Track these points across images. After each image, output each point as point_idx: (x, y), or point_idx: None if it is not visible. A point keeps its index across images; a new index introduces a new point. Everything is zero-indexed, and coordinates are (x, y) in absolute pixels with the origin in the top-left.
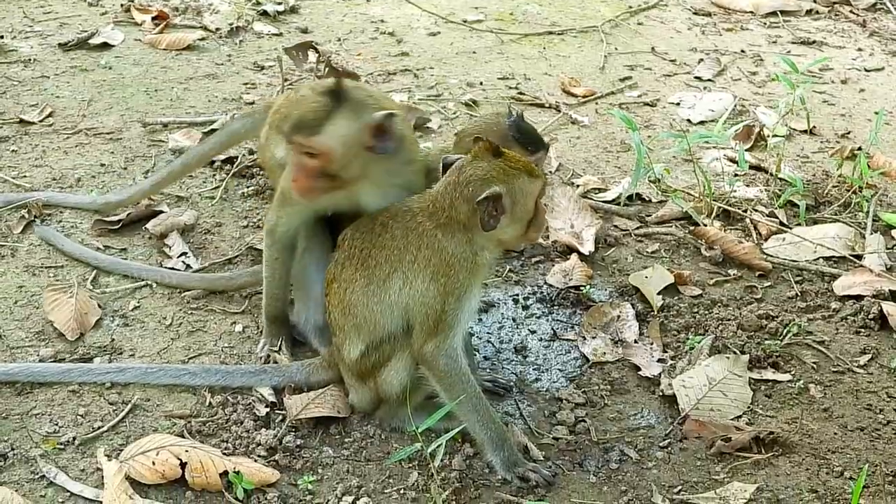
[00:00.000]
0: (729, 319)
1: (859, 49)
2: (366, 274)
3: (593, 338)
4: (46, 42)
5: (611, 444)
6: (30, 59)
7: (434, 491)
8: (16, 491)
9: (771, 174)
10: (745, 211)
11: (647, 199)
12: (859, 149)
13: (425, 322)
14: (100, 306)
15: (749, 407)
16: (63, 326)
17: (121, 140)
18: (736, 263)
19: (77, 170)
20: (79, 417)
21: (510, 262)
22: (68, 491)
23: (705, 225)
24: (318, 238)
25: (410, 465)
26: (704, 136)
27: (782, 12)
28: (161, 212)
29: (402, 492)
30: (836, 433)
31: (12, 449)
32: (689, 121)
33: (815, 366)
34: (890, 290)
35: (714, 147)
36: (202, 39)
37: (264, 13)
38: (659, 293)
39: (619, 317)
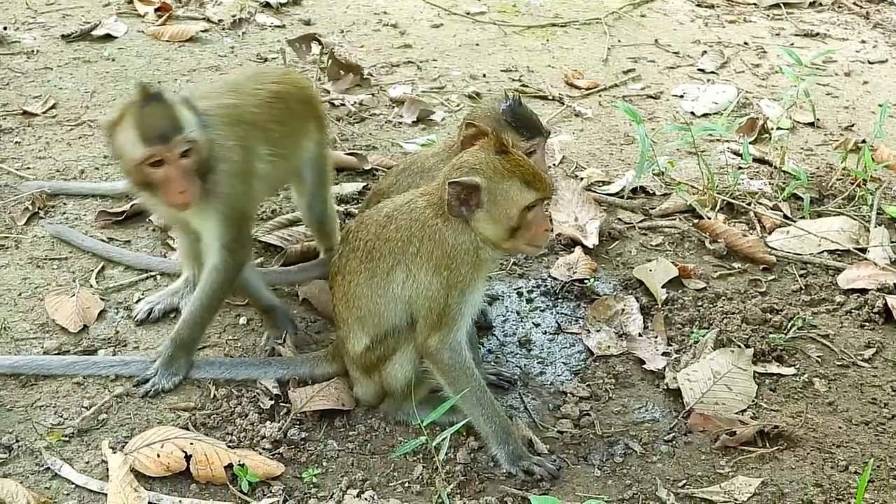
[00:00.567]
0: (733, 313)
1: (863, 41)
2: (370, 266)
3: (598, 331)
4: (49, 33)
5: (615, 437)
6: (33, 51)
7: (439, 484)
8: (21, 483)
9: (775, 167)
10: (749, 204)
11: (651, 191)
12: (863, 141)
13: (429, 315)
14: (103, 299)
15: (753, 401)
16: (65, 322)
17: None
18: (740, 257)
19: (80, 161)
20: (83, 409)
21: (515, 256)
22: (73, 483)
23: (709, 218)
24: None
25: (415, 458)
26: (708, 128)
27: (785, 4)
28: None
29: (406, 485)
30: (840, 427)
31: (17, 441)
32: (692, 113)
33: (819, 359)
34: (894, 284)
35: (718, 140)
36: (205, 31)
37: (267, 5)
38: (663, 286)
39: (623, 310)
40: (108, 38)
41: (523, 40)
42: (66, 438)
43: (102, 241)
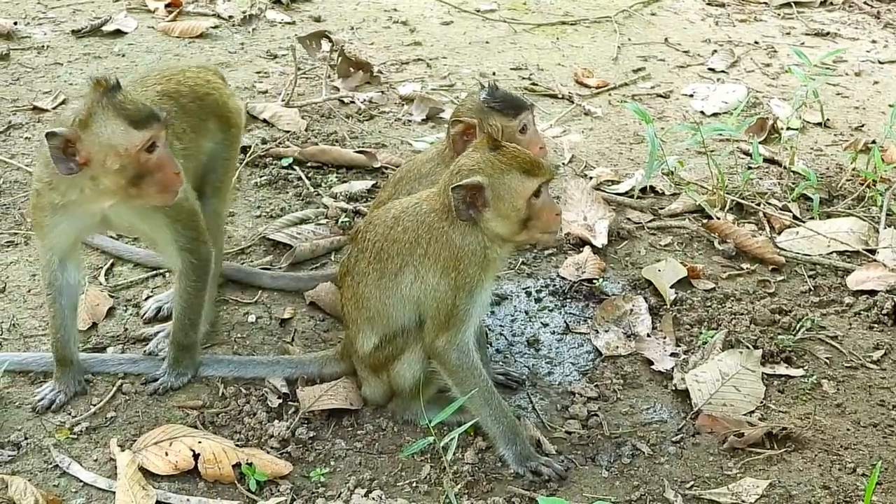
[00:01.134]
0: (742, 314)
1: (873, 41)
2: (378, 267)
3: (606, 331)
4: (60, 29)
5: (623, 438)
6: (43, 46)
7: (446, 484)
8: (29, 480)
9: (784, 167)
10: (759, 204)
11: (660, 191)
12: (873, 142)
13: (437, 316)
14: (112, 296)
15: (762, 402)
16: None
17: None
18: (749, 257)
19: None
20: (92, 407)
21: (523, 255)
22: (81, 481)
23: (718, 218)
24: None
25: (423, 458)
26: (718, 128)
27: (796, 3)
28: None
29: (414, 485)
30: (848, 429)
31: (26, 438)
32: (702, 113)
33: (828, 361)
34: None
35: (728, 139)
36: (215, 27)
37: (277, 1)
38: (672, 287)
39: (631, 310)
40: (119, 33)
41: (533, 38)
42: (75, 436)
43: (112, 238)
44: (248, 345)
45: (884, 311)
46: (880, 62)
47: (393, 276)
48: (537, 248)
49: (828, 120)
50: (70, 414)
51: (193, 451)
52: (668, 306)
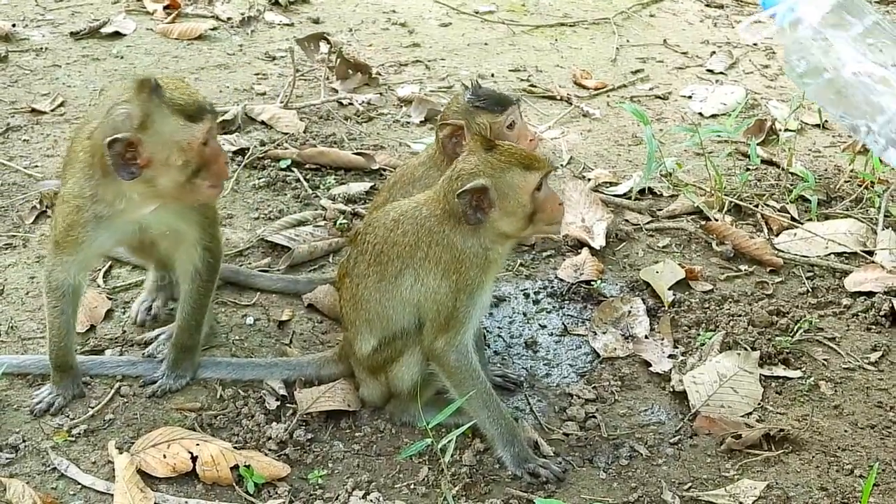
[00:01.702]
0: (740, 315)
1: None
2: (378, 270)
3: (604, 333)
4: (58, 31)
5: (621, 440)
6: (41, 48)
7: (444, 486)
8: (27, 483)
9: (782, 169)
10: (757, 206)
11: (658, 193)
12: None
13: (436, 318)
14: (110, 298)
15: (759, 404)
16: None
17: None
18: (747, 259)
19: None
20: (90, 409)
21: (521, 257)
22: (79, 483)
23: (716, 220)
24: None
25: (421, 460)
26: (716, 130)
27: None
28: None
29: (412, 487)
30: (846, 431)
31: (24, 441)
32: (700, 114)
33: (825, 362)
34: None
35: (726, 141)
36: (214, 29)
37: (276, 3)
38: (670, 288)
39: (629, 312)
40: (117, 35)
41: (532, 40)
42: (73, 438)
43: None
44: (247, 347)
45: (881, 313)
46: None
47: (393, 278)
48: (536, 248)
49: (826, 121)
50: (68, 416)
51: (191, 453)
52: (666, 308)
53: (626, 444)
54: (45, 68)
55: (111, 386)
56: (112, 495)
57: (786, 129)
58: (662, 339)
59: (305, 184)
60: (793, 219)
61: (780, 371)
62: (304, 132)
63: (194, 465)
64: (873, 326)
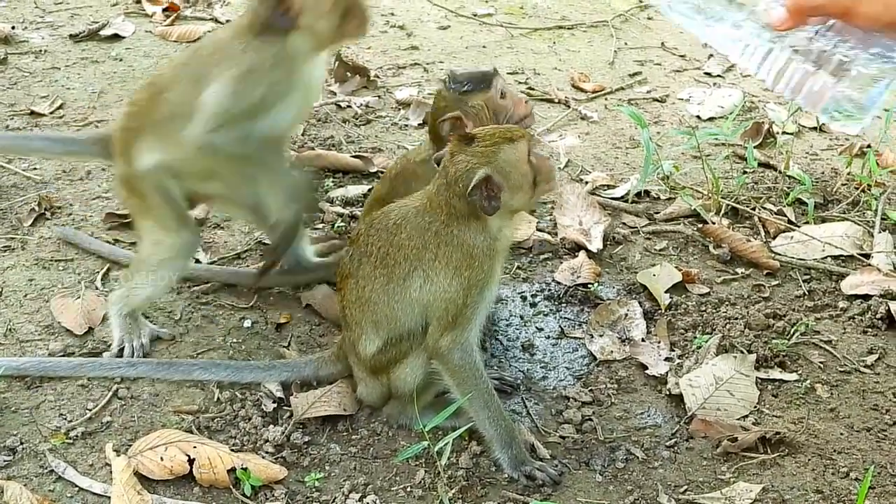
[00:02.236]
0: (736, 318)
1: None
2: (385, 272)
3: (601, 336)
4: (57, 33)
5: (617, 443)
6: (41, 50)
7: (441, 489)
8: (24, 485)
9: (780, 171)
10: (754, 209)
11: (655, 196)
12: (868, 146)
13: (444, 317)
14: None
15: (755, 407)
16: (70, 324)
17: None
18: (744, 262)
19: (87, 162)
20: (87, 412)
21: (518, 260)
22: (77, 486)
23: (713, 223)
24: None
25: (417, 462)
26: (713, 133)
27: None
28: None
29: (408, 489)
30: (842, 434)
31: (21, 443)
32: (698, 117)
33: (822, 365)
34: None
35: (723, 144)
36: (213, 31)
37: None
38: (667, 291)
39: (626, 315)
40: (116, 37)
41: (530, 42)
42: (71, 441)
43: (108, 242)
44: (244, 350)
45: (878, 316)
46: None
47: (401, 280)
48: (533, 251)
49: (823, 124)
50: (66, 419)
51: (189, 455)
52: (663, 311)
53: (622, 447)
54: (44, 70)
55: (109, 388)
56: (109, 498)
57: (783, 132)
58: (659, 342)
59: None
60: (790, 222)
61: (776, 374)
62: (302, 135)
63: (191, 467)
64: (870, 329)
